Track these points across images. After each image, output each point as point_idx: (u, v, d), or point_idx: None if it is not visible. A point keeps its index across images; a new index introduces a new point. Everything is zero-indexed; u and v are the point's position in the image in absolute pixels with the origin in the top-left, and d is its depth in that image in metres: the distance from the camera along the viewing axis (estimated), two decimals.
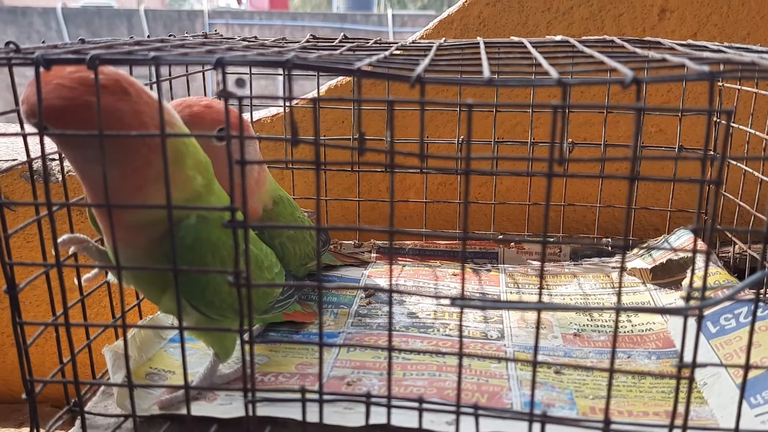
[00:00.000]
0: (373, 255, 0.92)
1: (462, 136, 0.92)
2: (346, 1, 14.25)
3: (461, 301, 0.43)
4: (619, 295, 0.42)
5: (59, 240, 0.54)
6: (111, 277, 0.62)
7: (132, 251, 0.51)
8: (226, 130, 0.41)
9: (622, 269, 0.43)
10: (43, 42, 0.51)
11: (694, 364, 0.42)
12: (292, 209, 0.75)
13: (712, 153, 0.83)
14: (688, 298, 0.42)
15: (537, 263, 0.91)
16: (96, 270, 0.60)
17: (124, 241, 0.50)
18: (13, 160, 0.96)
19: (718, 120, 0.85)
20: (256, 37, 0.78)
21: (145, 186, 0.48)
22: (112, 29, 8.77)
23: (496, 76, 0.40)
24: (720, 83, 0.84)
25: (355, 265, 0.89)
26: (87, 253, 0.57)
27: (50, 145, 0.53)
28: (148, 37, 0.65)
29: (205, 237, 0.52)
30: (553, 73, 0.41)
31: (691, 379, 0.43)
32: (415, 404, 0.47)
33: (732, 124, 0.79)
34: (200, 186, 0.53)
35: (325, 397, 0.47)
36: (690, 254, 0.78)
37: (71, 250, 0.57)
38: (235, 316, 0.56)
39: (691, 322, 0.42)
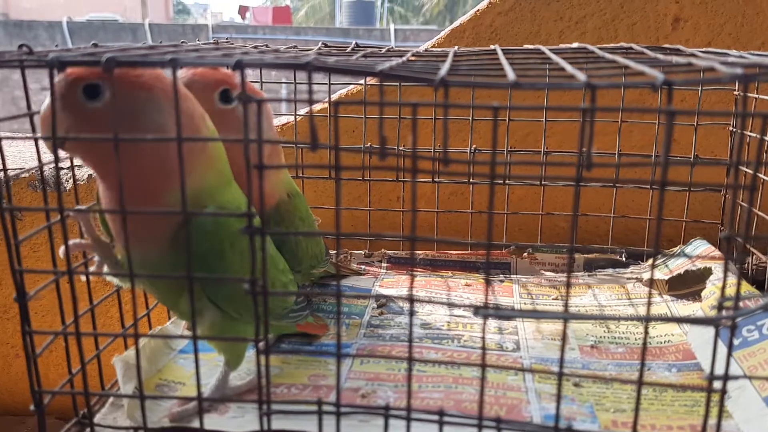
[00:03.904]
0: (384, 265, 0.91)
1: (474, 146, 0.91)
2: (349, 16, 14.36)
3: (485, 311, 0.41)
4: (648, 305, 0.41)
5: (70, 243, 0.54)
6: (121, 282, 0.60)
7: (148, 249, 0.50)
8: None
9: (651, 279, 0.41)
10: (57, 46, 0.50)
11: (726, 377, 0.41)
12: (306, 205, 0.74)
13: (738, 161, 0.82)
14: (719, 308, 0.41)
15: (550, 274, 0.90)
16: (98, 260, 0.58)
17: (140, 237, 0.49)
18: (21, 169, 0.95)
19: (734, 129, 0.84)
20: (267, 45, 0.78)
21: (192, 156, 0.50)
22: (116, 43, 8.83)
23: (520, 80, 0.39)
24: (737, 92, 0.83)
25: (346, 275, 0.88)
26: (95, 252, 0.56)
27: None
28: (160, 43, 0.64)
29: (225, 225, 0.51)
30: (580, 76, 0.40)
31: (723, 392, 0.41)
32: (435, 417, 0.45)
33: (750, 134, 0.78)
34: (222, 176, 0.54)
35: (343, 409, 0.45)
36: (708, 265, 0.77)
37: (75, 242, 0.56)
38: (251, 317, 0.55)
39: (712, 334, 0.41)
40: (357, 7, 14.48)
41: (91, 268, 0.57)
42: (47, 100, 0.45)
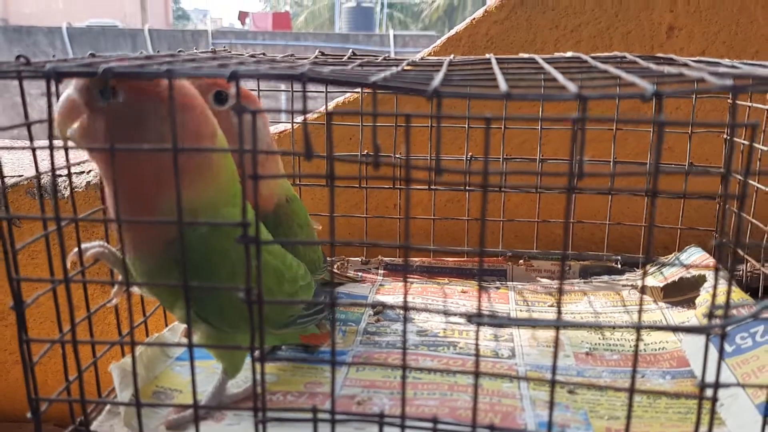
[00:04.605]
0: (381, 272, 0.91)
1: (470, 153, 0.91)
2: (349, 22, 14.40)
3: (478, 318, 0.42)
4: (640, 313, 0.42)
5: (89, 253, 0.55)
6: (134, 289, 0.61)
7: (143, 254, 0.51)
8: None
9: (643, 287, 0.42)
10: (54, 56, 0.50)
11: (717, 385, 0.41)
12: (304, 210, 0.75)
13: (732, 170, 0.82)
14: (710, 316, 0.41)
15: (546, 281, 0.90)
16: (117, 287, 0.59)
17: (136, 242, 0.49)
18: (20, 176, 0.95)
19: (727, 137, 0.85)
20: (264, 54, 0.78)
21: (191, 171, 0.50)
22: (116, 49, 8.85)
23: (512, 91, 0.39)
24: (730, 100, 0.84)
25: (342, 282, 0.88)
26: (105, 260, 0.57)
27: (55, 162, 0.53)
28: (158, 52, 0.65)
29: (214, 244, 0.52)
30: (571, 87, 0.40)
31: (715, 400, 0.41)
32: (429, 425, 0.46)
33: (743, 142, 0.79)
34: (226, 193, 0.54)
35: (337, 417, 0.46)
36: (702, 272, 0.77)
37: (90, 252, 0.57)
38: (244, 330, 0.55)
39: (704, 342, 0.42)
40: (356, 13, 14.52)
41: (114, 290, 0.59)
42: (64, 95, 0.48)
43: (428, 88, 0.39)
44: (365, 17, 14.65)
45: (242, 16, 17.45)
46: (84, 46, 8.71)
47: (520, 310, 0.80)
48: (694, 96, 0.84)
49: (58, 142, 0.46)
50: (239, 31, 11.82)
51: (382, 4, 17.87)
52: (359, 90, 0.95)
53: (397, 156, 0.91)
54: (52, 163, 0.44)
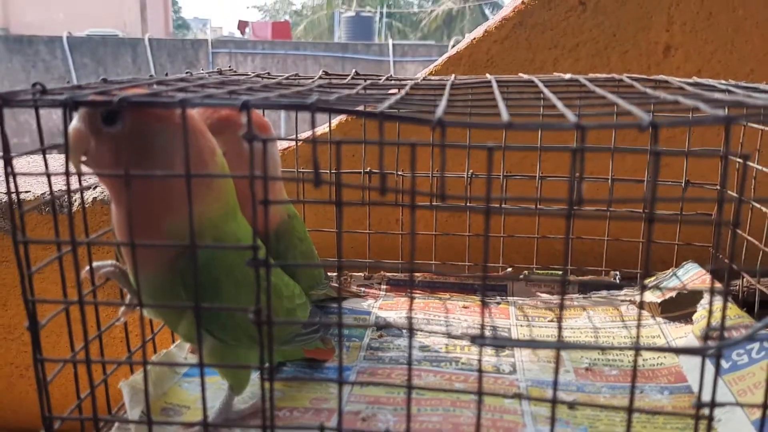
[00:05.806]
0: (383, 287, 0.93)
1: (471, 171, 0.93)
2: (348, 32, 14.44)
3: (481, 340, 0.43)
4: (638, 331, 0.43)
5: (101, 271, 0.57)
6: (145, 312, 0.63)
7: (151, 272, 0.52)
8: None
9: (641, 304, 0.43)
10: (69, 82, 0.52)
11: (713, 404, 0.42)
12: (303, 226, 0.77)
13: (732, 194, 0.84)
14: (706, 338, 0.42)
15: (546, 296, 0.91)
16: (124, 307, 0.60)
17: (144, 260, 0.51)
18: (27, 192, 0.97)
19: (723, 156, 0.86)
20: (268, 73, 0.80)
21: (195, 190, 0.51)
22: (116, 58, 8.88)
23: (513, 120, 0.41)
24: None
25: (345, 297, 0.90)
26: (116, 279, 0.58)
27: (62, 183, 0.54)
28: (167, 74, 0.66)
29: (219, 258, 0.53)
30: (571, 116, 0.42)
31: (711, 419, 0.43)
32: None
33: (738, 160, 0.80)
34: (227, 209, 0.55)
35: None
36: (699, 288, 0.78)
37: (101, 271, 0.58)
38: (251, 343, 0.57)
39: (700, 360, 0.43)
40: (355, 23, 14.58)
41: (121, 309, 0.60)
42: (71, 126, 0.48)
43: (433, 119, 0.41)
44: (364, 26, 14.70)
45: (242, 25, 17.51)
46: (84, 56, 8.74)
47: (521, 325, 0.81)
48: (689, 129, 0.85)
49: (71, 167, 0.48)
50: (239, 41, 11.84)
51: (381, 13, 17.96)
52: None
53: (399, 173, 0.92)
54: (68, 189, 0.46)
